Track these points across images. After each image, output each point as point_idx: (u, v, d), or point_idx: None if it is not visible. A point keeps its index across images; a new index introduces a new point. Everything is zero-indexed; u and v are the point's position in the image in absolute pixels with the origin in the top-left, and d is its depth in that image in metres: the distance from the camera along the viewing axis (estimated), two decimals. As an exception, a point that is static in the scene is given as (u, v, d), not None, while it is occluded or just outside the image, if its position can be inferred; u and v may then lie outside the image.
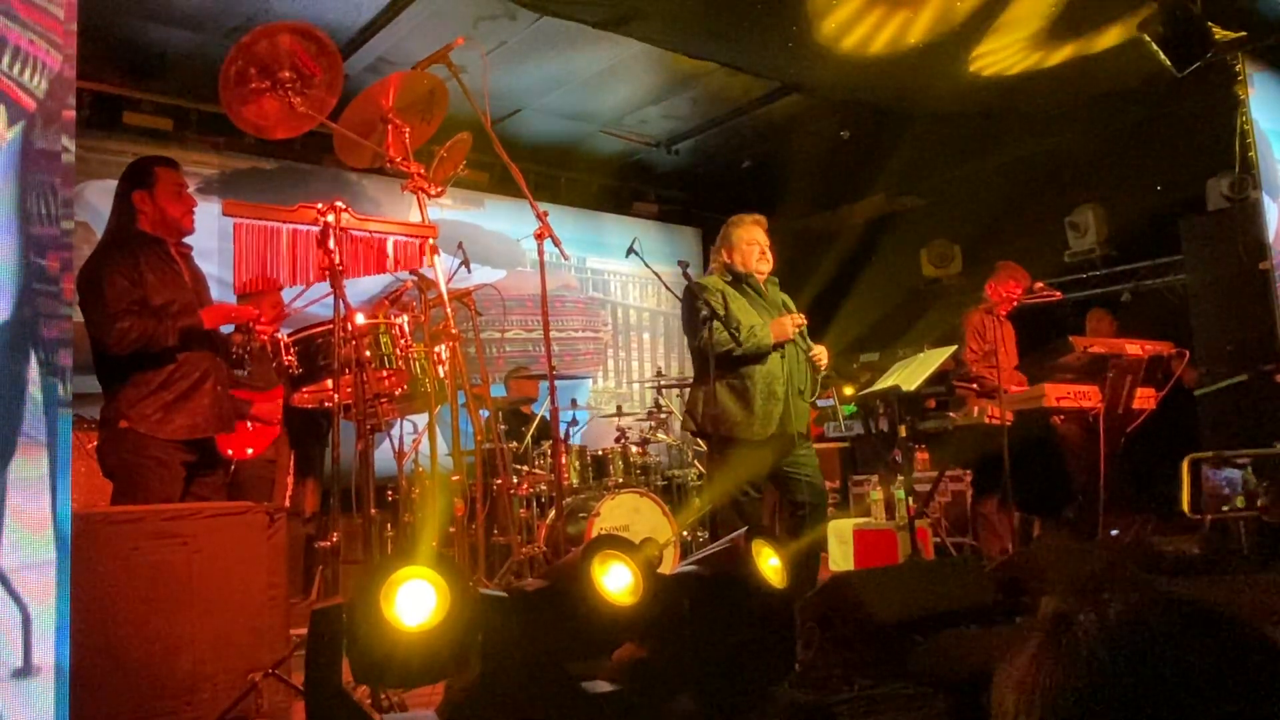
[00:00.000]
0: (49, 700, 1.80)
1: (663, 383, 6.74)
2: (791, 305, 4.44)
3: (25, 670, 1.79)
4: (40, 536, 1.86)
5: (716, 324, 4.01)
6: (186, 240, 3.63)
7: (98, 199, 5.78)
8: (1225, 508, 4.78)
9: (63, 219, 1.97)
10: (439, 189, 3.59)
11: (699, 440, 6.80)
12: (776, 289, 4.42)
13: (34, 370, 1.89)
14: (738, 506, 4.08)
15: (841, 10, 5.46)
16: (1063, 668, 0.63)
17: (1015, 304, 5.52)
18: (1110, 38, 5.77)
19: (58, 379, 1.91)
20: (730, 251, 4.33)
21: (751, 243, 4.31)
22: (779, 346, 4.15)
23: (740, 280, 4.30)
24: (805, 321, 4.25)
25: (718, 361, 4.05)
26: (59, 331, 1.94)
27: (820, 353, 4.26)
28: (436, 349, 3.55)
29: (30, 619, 1.81)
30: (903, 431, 5.08)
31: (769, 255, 4.34)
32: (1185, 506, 4.89)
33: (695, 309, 4.13)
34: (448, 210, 7.50)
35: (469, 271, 4.57)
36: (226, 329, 3.56)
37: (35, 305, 1.90)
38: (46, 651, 1.82)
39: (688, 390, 7.96)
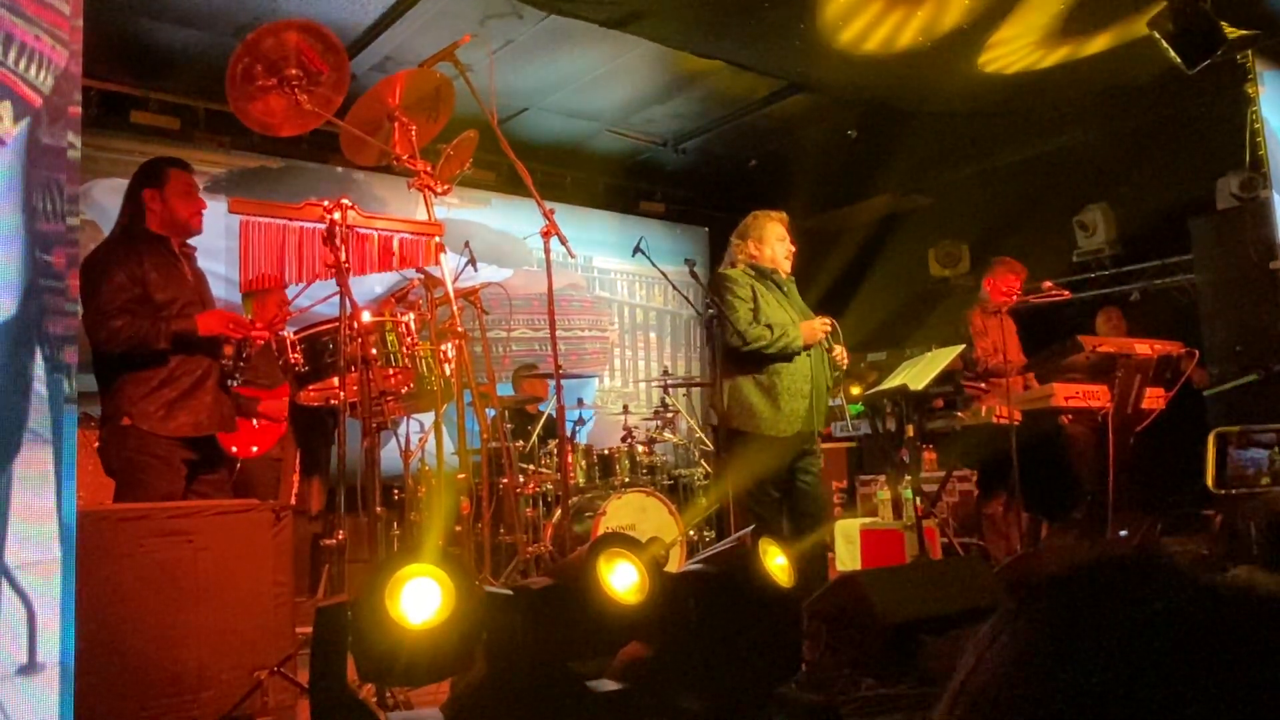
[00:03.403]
0: (53, 697, 1.80)
1: (669, 382, 6.72)
2: (808, 310, 4.44)
3: (30, 667, 1.78)
4: (45, 533, 1.86)
5: (738, 318, 4.04)
6: (191, 241, 3.63)
7: (105, 197, 5.79)
8: (1250, 486, 4.76)
9: (68, 215, 1.97)
10: (445, 187, 3.58)
11: (705, 440, 6.81)
12: (794, 288, 4.41)
13: (39, 367, 1.88)
14: (757, 507, 4.10)
15: (849, 8, 5.44)
16: (992, 667, 0.54)
17: (1015, 298, 5.49)
18: (1120, 35, 5.74)
19: (63, 375, 1.91)
20: (759, 244, 4.31)
21: (782, 239, 4.32)
22: (807, 348, 4.17)
23: (764, 275, 4.29)
24: (830, 325, 4.26)
25: (745, 358, 4.09)
26: (64, 328, 1.93)
27: (841, 353, 4.28)
28: (443, 347, 3.54)
29: (35, 615, 1.81)
30: (910, 431, 5.04)
31: (793, 254, 4.36)
32: (1209, 482, 4.86)
33: (724, 299, 4.16)
34: (454, 209, 7.50)
35: (475, 270, 4.56)
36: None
37: (41, 301, 1.90)
38: (51, 648, 1.82)
39: (694, 390, 8.02)
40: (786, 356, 4.11)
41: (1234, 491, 4.76)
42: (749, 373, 4.12)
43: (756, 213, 4.41)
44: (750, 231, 4.36)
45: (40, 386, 1.88)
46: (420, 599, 1.96)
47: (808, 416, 4.13)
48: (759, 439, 4.08)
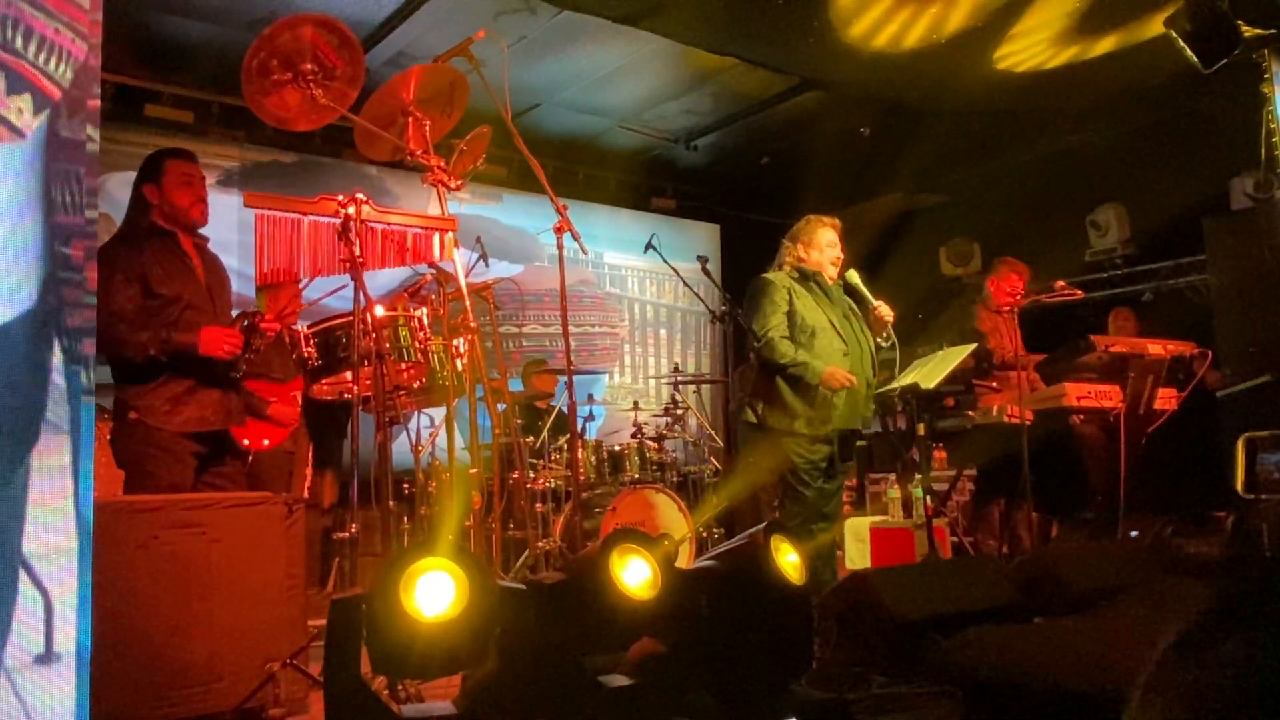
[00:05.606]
0: (70, 686, 1.81)
1: (679, 379, 6.72)
2: (855, 307, 4.45)
3: (47, 656, 1.79)
4: (63, 524, 1.87)
5: (766, 323, 4.14)
6: (204, 232, 3.63)
7: (119, 191, 5.79)
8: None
9: (87, 208, 1.97)
10: (458, 182, 3.59)
11: (715, 437, 6.81)
12: (842, 290, 4.44)
13: (57, 358, 1.89)
14: (787, 502, 4.14)
15: (863, 6, 5.43)
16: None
17: (1019, 298, 5.45)
18: (1135, 34, 5.72)
19: (80, 367, 1.92)
20: (808, 248, 4.35)
21: (833, 245, 4.36)
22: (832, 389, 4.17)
23: (808, 278, 4.32)
24: (851, 383, 4.14)
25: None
26: (82, 320, 1.94)
27: (883, 308, 4.34)
28: (455, 342, 3.55)
29: (52, 606, 1.82)
30: (921, 430, 5.03)
31: (840, 260, 4.40)
32: (1239, 486, 4.84)
33: (759, 302, 4.21)
34: (466, 204, 7.51)
35: (487, 266, 4.58)
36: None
37: (59, 294, 1.91)
38: (68, 638, 1.83)
39: (704, 387, 8.00)
40: (822, 354, 4.15)
41: (1263, 496, 4.72)
42: (784, 370, 4.17)
43: (809, 217, 4.43)
44: (801, 235, 4.39)
45: (58, 378, 1.89)
46: (434, 593, 1.96)
47: (845, 413, 4.15)
48: (796, 436, 4.12)
